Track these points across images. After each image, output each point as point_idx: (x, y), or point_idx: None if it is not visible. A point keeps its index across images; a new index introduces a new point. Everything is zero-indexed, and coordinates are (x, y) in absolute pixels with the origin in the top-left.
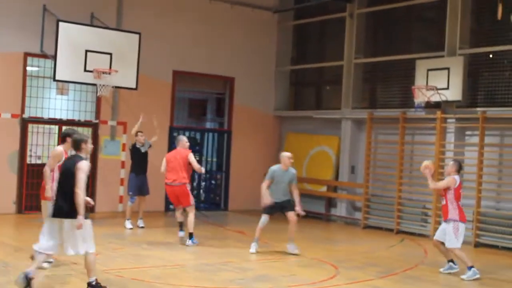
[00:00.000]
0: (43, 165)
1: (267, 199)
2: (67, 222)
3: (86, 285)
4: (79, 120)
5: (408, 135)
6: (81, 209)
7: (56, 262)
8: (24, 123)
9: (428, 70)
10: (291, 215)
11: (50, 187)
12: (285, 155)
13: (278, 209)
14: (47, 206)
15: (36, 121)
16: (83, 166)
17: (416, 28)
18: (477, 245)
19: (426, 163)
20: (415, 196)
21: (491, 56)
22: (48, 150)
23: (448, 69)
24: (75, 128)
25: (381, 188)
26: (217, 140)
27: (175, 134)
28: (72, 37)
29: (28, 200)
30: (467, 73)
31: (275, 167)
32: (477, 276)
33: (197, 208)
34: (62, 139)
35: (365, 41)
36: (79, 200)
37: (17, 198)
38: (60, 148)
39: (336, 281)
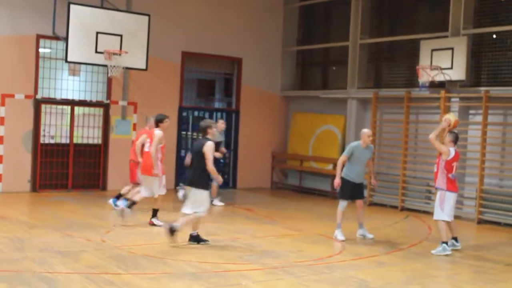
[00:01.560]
0: (56, 144)
1: (338, 177)
2: (193, 190)
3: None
4: (90, 101)
5: (413, 114)
6: (214, 174)
7: (71, 238)
8: (37, 104)
9: (432, 50)
10: (359, 203)
11: (157, 165)
12: (365, 132)
13: (353, 192)
14: (150, 181)
15: (49, 102)
16: (210, 146)
17: (420, 9)
18: (480, 221)
19: (448, 116)
20: (420, 174)
21: (494, 36)
22: (60, 130)
23: (452, 49)
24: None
25: (386, 166)
26: (225, 120)
27: (184, 114)
28: (83, 19)
29: (42, 178)
30: (471, 53)
31: (355, 144)
32: (448, 252)
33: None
34: (156, 123)
35: (370, 22)
36: (212, 171)
37: (31, 177)
38: (160, 131)
39: (343, 257)
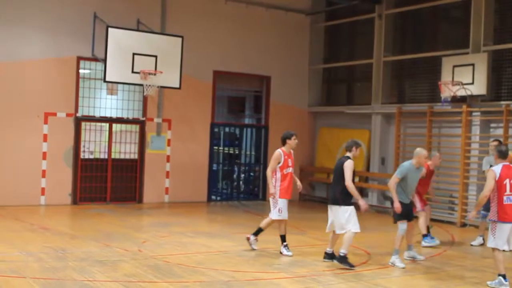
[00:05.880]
0: (95, 159)
1: (397, 200)
2: (333, 207)
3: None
4: (127, 118)
5: (435, 128)
6: (355, 195)
7: (109, 248)
8: (78, 122)
9: (454, 66)
10: (411, 224)
11: (273, 185)
12: (421, 153)
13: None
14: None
15: (89, 119)
16: (348, 164)
17: (441, 27)
18: None
19: None
20: (442, 186)
21: None
22: (99, 146)
23: (473, 65)
24: (292, 131)
25: None
26: (255, 135)
27: (215, 129)
28: (120, 42)
29: (82, 192)
30: (491, 69)
31: (407, 164)
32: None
33: (237, 199)
34: (282, 141)
35: (393, 40)
36: (351, 190)
37: (72, 190)
38: (278, 150)
39: (369, 266)
